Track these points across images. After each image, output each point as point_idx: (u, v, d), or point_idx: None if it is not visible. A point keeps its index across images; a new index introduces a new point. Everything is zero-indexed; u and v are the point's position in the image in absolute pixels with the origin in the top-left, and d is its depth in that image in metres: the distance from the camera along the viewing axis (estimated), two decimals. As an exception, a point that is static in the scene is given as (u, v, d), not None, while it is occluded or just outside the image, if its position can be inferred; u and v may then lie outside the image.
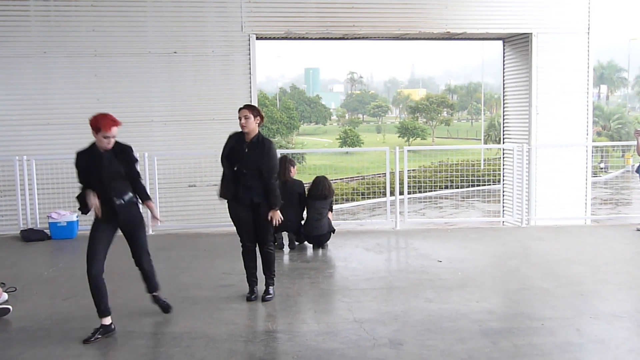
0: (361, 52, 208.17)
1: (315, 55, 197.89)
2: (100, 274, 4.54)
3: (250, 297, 5.33)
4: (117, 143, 4.54)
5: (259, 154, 5.03)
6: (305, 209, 7.49)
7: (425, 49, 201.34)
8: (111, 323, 4.56)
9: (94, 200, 4.38)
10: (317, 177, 7.61)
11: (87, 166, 4.47)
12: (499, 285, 5.86)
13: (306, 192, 7.52)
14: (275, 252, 5.49)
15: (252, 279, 5.42)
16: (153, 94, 9.54)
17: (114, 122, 4.47)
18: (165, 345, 4.36)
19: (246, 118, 4.99)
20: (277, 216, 5.13)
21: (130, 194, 4.61)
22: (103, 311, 4.53)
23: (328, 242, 7.49)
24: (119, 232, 4.71)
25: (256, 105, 5.41)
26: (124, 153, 4.57)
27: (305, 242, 7.61)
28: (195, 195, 9.38)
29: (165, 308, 5.00)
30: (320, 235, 7.38)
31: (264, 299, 5.29)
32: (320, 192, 7.42)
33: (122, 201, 4.54)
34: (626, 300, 5.34)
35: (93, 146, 4.54)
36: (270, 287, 5.39)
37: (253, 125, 5.03)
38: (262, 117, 5.09)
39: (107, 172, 4.46)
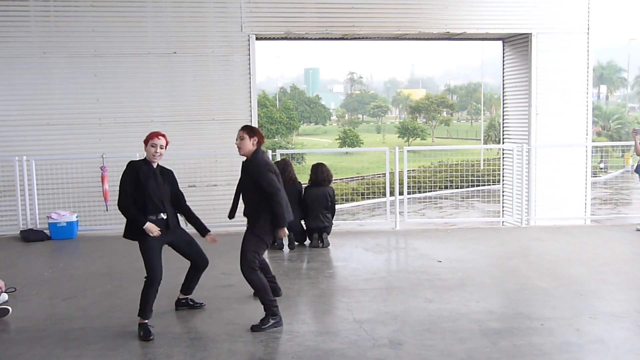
0: (361, 52, 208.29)
1: (315, 56, 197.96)
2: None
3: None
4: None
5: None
6: (307, 202, 7.53)
7: (425, 49, 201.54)
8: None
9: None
10: (313, 165, 7.74)
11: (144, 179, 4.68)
12: (499, 286, 5.86)
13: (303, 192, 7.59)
14: (258, 276, 4.79)
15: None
16: (153, 95, 9.55)
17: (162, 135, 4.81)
18: (165, 345, 4.36)
19: (241, 139, 4.78)
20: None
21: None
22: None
23: (328, 236, 7.57)
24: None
25: (254, 126, 5.12)
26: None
27: (306, 242, 7.63)
28: (195, 196, 9.34)
29: (200, 304, 5.21)
30: (322, 227, 7.49)
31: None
32: (318, 178, 7.53)
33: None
34: (625, 300, 5.34)
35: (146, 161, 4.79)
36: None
37: (249, 147, 4.76)
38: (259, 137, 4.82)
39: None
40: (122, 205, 4.62)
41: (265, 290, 4.72)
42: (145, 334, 4.49)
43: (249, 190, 4.76)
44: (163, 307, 5.16)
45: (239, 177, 4.98)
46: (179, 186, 4.95)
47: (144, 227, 4.55)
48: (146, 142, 4.73)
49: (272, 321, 4.65)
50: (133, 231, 4.66)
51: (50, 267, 6.86)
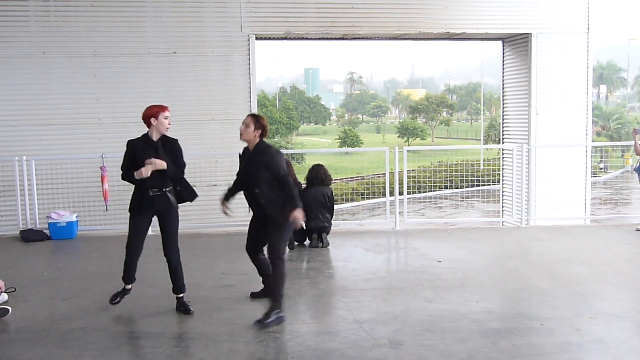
0: (361, 52, 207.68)
1: (314, 56, 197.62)
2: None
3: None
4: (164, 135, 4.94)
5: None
6: (306, 203, 7.54)
7: (425, 49, 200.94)
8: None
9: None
10: (312, 166, 7.77)
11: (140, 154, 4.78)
12: (499, 285, 5.86)
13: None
14: (284, 266, 4.79)
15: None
16: (152, 95, 9.50)
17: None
18: (165, 345, 4.36)
19: (246, 126, 4.80)
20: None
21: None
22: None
23: (328, 236, 7.55)
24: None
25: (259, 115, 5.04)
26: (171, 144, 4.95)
27: (306, 243, 7.63)
28: (195, 196, 9.38)
29: (187, 311, 5.05)
30: (322, 227, 7.47)
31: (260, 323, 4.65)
32: (316, 178, 7.56)
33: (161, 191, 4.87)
34: (625, 300, 5.34)
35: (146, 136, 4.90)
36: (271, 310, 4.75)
37: (250, 136, 4.80)
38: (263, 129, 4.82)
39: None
40: (123, 176, 4.87)
41: (283, 280, 4.78)
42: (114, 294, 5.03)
43: (264, 176, 4.74)
44: (163, 307, 5.16)
45: (241, 166, 4.98)
46: (182, 157, 4.94)
47: (135, 175, 4.73)
48: (154, 115, 4.82)
49: (274, 316, 4.66)
50: (131, 203, 4.90)
51: (50, 267, 6.86)
